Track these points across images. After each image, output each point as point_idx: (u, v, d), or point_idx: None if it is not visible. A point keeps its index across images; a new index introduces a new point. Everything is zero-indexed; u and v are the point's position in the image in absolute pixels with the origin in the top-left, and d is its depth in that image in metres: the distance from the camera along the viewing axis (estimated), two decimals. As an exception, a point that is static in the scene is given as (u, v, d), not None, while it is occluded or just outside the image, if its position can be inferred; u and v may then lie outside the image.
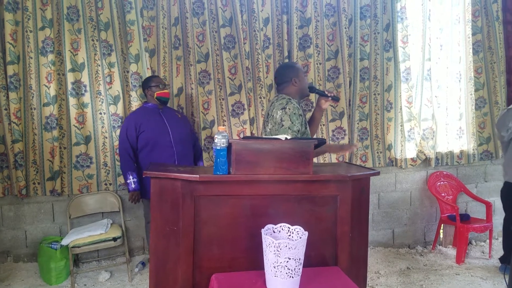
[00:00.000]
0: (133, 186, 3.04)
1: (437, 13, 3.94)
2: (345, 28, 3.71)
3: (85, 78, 3.31)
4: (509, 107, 3.26)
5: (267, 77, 3.64)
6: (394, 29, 3.78)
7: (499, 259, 3.46)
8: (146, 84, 3.17)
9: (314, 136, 2.64)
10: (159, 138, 3.05)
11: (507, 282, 2.61)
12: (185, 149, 3.16)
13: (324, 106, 2.49)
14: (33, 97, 3.19)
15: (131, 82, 3.36)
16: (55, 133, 3.24)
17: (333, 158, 3.81)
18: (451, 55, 4.01)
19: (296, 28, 3.65)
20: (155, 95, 3.11)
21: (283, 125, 2.22)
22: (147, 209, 3.21)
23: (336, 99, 2.45)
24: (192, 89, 3.53)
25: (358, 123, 3.85)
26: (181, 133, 3.14)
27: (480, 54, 4.09)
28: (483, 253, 3.84)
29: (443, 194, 3.96)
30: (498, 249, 3.55)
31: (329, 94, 2.41)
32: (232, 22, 3.52)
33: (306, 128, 2.36)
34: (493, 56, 4.09)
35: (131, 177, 3.04)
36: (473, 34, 4.03)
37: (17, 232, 3.34)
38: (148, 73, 3.38)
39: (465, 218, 3.78)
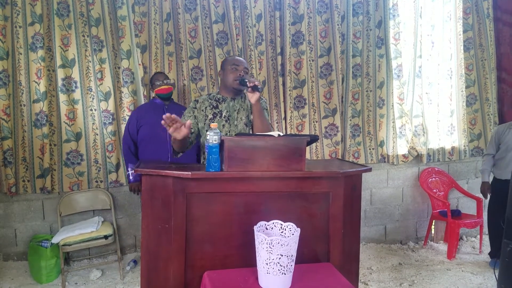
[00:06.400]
0: (131, 178, 3.11)
1: (429, 10, 3.96)
2: (338, 25, 3.70)
3: (75, 74, 3.27)
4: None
5: (260, 73, 3.63)
6: (386, 26, 3.79)
7: (489, 254, 3.51)
8: (150, 81, 3.24)
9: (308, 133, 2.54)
10: (155, 133, 3.04)
11: (497, 277, 2.64)
12: None
13: (250, 98, 2.11)
14: (22, 93, 3.14)
15: (122, 78, 3.32)
16: (45, 130, 3.20)
17: (326, 154, 3.82)
18: (442, 52, 4.03)
19: (289, 24, 3.64)
20: (154, 93, 3.14)
21: None
22: None
23: (255, 88, 2.06)
24: (185, 85, 3.50)
25: (350, 120, 3.86)
26: None
27: (471, 51, 4.12)
28: (473, 248, 3.89)
29: (434, 190, 4.00)
30: (489, 244, 3.60)
31: (249, 84, 2.07)
32: (224, 18, 3.50)
33: (204, 124, 2.24)
34: (484, 53, 4.13)
35: (129, 169, 3.11)
36: (464, 31, 4.06)
37: (6, 230, 3.30)
38: (140, 69, 3.35)
39: (456, 214, 3.81)
